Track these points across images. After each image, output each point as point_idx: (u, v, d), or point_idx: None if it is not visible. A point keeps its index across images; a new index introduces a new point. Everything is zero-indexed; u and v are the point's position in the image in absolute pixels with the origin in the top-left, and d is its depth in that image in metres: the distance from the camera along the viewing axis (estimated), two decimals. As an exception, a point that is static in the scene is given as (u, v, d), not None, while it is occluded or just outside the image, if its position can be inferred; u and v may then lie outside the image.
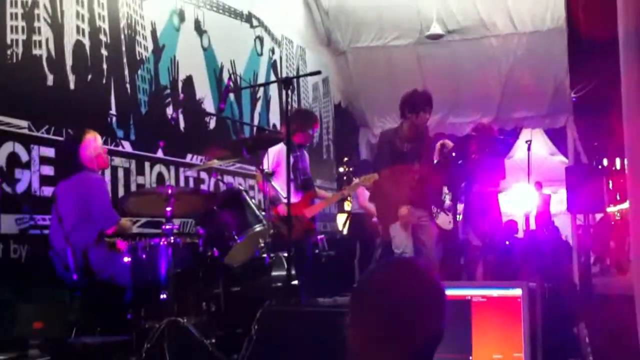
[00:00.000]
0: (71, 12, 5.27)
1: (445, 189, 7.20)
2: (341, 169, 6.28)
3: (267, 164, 5.62)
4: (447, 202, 7.35)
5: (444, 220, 7.34)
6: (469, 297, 2.72)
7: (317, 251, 6.83)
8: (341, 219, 10.24)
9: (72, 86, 5.24)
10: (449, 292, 2.72)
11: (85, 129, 4.78)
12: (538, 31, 8.96)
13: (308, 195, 6.03)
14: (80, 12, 5.37)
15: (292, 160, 5.50)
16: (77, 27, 5.33)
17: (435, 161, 6.19)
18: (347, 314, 1.70)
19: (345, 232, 8.80)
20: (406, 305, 1.64)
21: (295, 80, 9.12)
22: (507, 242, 7.46)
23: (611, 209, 10.86)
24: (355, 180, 6.39)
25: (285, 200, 5.56)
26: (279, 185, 5.46)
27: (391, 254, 5.95)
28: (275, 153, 5.77)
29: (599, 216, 11.57)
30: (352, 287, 1.77)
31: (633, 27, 1.99)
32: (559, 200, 12.70)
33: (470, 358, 2.65)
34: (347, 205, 10.51)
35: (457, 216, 6.75)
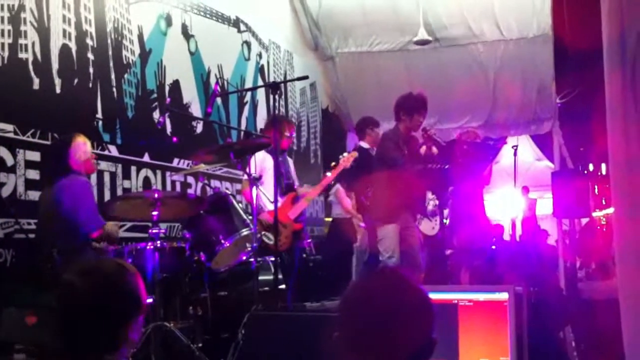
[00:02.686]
0: (57, 16, 5.24)
1: (430, 194, 7.22)
2: (328, 174, 6.30)
3: (253, 169, 5.61)
4: (431, 207, 7.35)
5: (428, 227, 7.34)
6: (456, 301, 2.73)
7: (304, 255, 6.82)
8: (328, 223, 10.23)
9: (58, 90, 5.21)
10: (436, 296, 2.74)
11: (75, 132, 4.76)
12: (524, 38, 9.05)
13: (289, 197, 6.00)
14: (66, 15, 5.34)
15: (279, 165, 5.51)
16: (64, 31, 5.31)
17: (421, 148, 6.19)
18: (336, 320, 1.71)
19: (327, 236, 8.82)
20: (394, 315, 1.65)
21: (282, 84, 9.13)
22: (493, 247, 7.48)
23: (597, 214, 10.93)
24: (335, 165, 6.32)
25: (267, 208, 5.57)
26: (263, 192, 5.45)
27: (377, 256, 5.97)
28: (259, 160, 5.75)
29: (584, 221, 11.64)
30: (340, 293, 1.78)
31: (616, 35, 2.01)
32: (545, 204, 12.77)
33: (457, 362, 2.66)
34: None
35: (444, 220, 6.77)
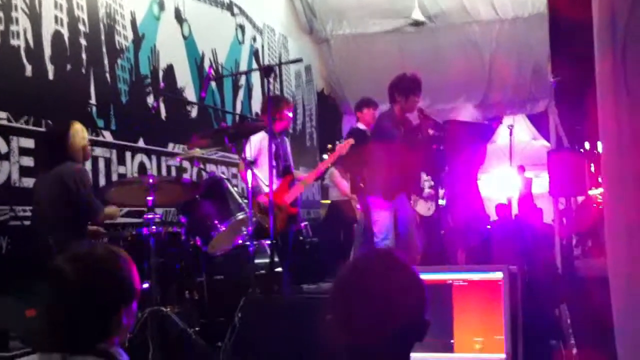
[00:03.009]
0: (49, 2, 5.20)
1: (424, 175, 7.20)
2: (325, 156, 6.31)
3: (249, 152, 5.61)
4: (427, 189, 7.33)
5: (423, 207, 7.33)
6: (451, 281, 2.75)
7: (301, 238, 6.83)
8: (325, 206, 10.24)
9: (51, 76, 5.19)
10: (431, 277, 2.76)
11: (71, 119, 4.75)
12: (519, 17, 9.02)
13: (286, 180, 5.99)
14: (58, 1, 5.31)
15: (273, 147, 5.50)
16: (56, 17, 5.28)
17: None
18: (329, 301, 1.72)
19: (324, 219, 8.83)
20: (386, 297, 1.66)
21: (277, 68, 9.10)
22: (489, 227, 7.49)
23: (593, 192, 10.93)
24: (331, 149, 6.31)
25: (265, 190, 5.57)
26: (260, 173, 5.45)
27: (372, 238, 5.98)
28: (257, 141, 5.75)
29: (581, 199, 11.66)
30: (335, 275, 1.79)
31: (607, 16, 1.99)
32: (541, 183, 12.77)
33: (452, 341, 2.68)
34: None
35: (440, 201, 6.77)
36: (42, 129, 5.00)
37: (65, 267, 1.91)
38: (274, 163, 5.62)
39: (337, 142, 6.23)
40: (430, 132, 6.18)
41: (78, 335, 1.88)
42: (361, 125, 7.08)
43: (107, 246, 2.24)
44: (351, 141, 6.18)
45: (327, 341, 1.69)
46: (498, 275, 2.72)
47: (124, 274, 1.97)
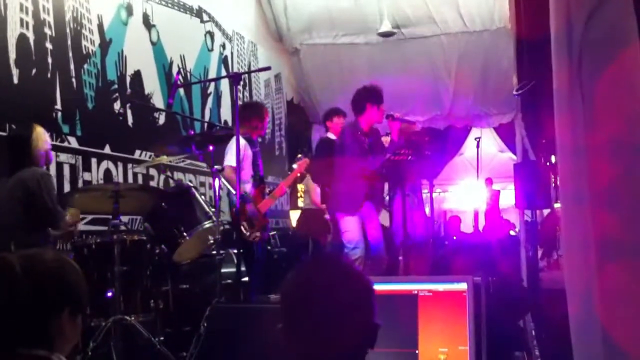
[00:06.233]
0: (14, 5, 5.13)
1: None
2: (294, 165, 6.31)
3: (232, 159, 5.55)
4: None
5: (384, 218, 7.32)
6: (416, 292, 2.75)
7: (269, 247, 6.80)
8: (295, 215, 10.23)
9: (15, 80, 5.10)
10: (397, 287, 2.76)
11: (33, 123, 4.67)
12: (487, 30, 9.12)
13: (259, 190, 5.98)
14: (24, 4, 5.23)
15: (253, 156, 5.50)
16: (21, 20, 5.20)
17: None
18: (279, 311, 1.71)
19: (295, 227, 8.80)
20: (331, 302, 1.65)
21: (246, 75, 9.08)
22: (455, 237, 7.51)
23: (558, 205, 11.05)
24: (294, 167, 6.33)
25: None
26: (242, 181, 5.41)
27: (340, 247, 5.99)
28: (241, 149, 5.72)
29: (547, 211, 11.79)
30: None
31: (563, 26, 2.01)
32: (508, 196, 12.91)
33: (417, 352, 2.68)
34: (301, 202, 10.50)
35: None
36: (5, 134, 4.91)
37: (12, 259, 1.84)
38: (251, 172, 5.63)
39: (294, 165, 6.24)
40: (389, 139, 6.20)
41: (14, 336, 1.78)
42: (331, 135, 7.08)
43: (58, 252, 2.17)
44: (307, 160, 6.20)
45: (281, 350, 1.68)
46: (462, 286, 2.73)
47: (71, 279, 1.90)
